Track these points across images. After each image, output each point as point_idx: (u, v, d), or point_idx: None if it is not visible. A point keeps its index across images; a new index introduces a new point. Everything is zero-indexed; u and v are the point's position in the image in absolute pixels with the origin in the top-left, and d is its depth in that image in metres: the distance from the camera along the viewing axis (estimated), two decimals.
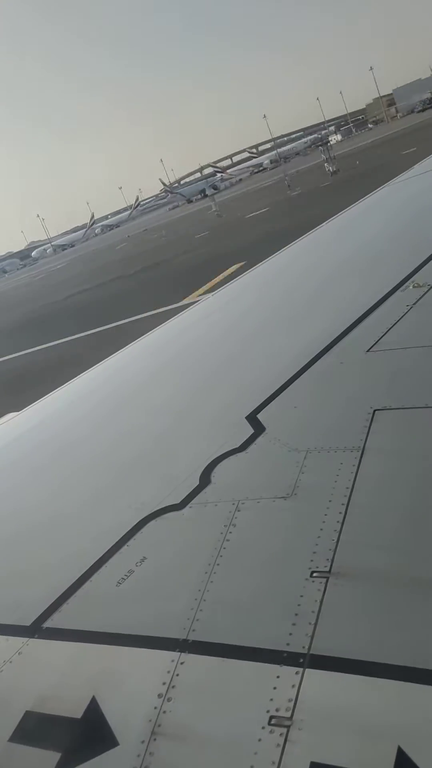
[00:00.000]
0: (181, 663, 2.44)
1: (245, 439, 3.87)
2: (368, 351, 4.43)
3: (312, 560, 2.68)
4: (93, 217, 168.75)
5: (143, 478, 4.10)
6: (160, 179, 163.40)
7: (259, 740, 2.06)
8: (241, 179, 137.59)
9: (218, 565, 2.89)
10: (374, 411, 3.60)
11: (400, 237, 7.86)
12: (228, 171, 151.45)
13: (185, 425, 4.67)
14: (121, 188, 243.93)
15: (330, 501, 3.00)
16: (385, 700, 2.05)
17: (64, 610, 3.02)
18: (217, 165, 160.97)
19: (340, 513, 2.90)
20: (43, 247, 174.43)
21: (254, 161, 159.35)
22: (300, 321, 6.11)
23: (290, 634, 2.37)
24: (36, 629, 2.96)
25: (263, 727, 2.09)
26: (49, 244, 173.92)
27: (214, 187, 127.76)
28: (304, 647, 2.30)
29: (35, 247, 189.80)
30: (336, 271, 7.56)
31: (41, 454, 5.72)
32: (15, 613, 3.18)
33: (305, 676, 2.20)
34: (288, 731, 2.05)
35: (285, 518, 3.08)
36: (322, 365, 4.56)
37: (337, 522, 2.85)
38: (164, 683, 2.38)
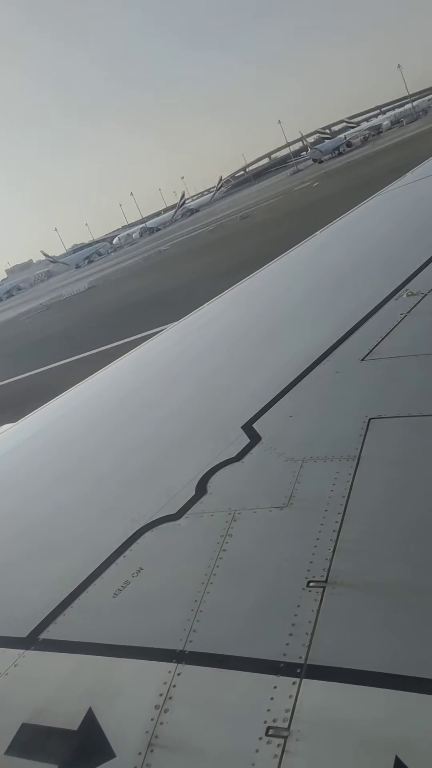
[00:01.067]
0: (178, 674, 2.43)
1: (241, 448, 3.87)
2: (363, 360, 4.45)
3: (309, 570, 2.68)
4: (183, 195, 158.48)
5: (139, 488, 4.10)
6: (300, 132, 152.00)
7: (257, 751, 2.05)
8: (365, 137, 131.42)
9: (215, 575, 2.88)
10: (369, 420, 3.61)
11: (394, 245, 7.89)
12: (341, 136, 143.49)
13: (181, 435, 4.67)
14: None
15: (326, 510, 3.00)
16: (383, 710, 2.04)
17: (60, 622, 3.01)
18: (325, 131, 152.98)
19: (337, 522, 2.90)
20: (126, 233, 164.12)
21: (372, 123, 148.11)
22: (295, 330, 6.13)
23: (287, 644, 2.36)
24: (32, 641, 2.96)
25: (260, 738, 2.08)
26: (135, 228, 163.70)
27: (348, 144, 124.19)
28: (301, 657, 2.30)
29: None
30: (330, 280, 7.59)
31: (37, 465, 5.71)
32: (11, 625, 3.17)
33: (302, 686, 2.20)
34: (285, 742, 2.05)
35: (281, 528, 3.08)
36: (317, 374, 4.57)
37: (334, 531, 2.85)
38: (161, 694, 2.37)
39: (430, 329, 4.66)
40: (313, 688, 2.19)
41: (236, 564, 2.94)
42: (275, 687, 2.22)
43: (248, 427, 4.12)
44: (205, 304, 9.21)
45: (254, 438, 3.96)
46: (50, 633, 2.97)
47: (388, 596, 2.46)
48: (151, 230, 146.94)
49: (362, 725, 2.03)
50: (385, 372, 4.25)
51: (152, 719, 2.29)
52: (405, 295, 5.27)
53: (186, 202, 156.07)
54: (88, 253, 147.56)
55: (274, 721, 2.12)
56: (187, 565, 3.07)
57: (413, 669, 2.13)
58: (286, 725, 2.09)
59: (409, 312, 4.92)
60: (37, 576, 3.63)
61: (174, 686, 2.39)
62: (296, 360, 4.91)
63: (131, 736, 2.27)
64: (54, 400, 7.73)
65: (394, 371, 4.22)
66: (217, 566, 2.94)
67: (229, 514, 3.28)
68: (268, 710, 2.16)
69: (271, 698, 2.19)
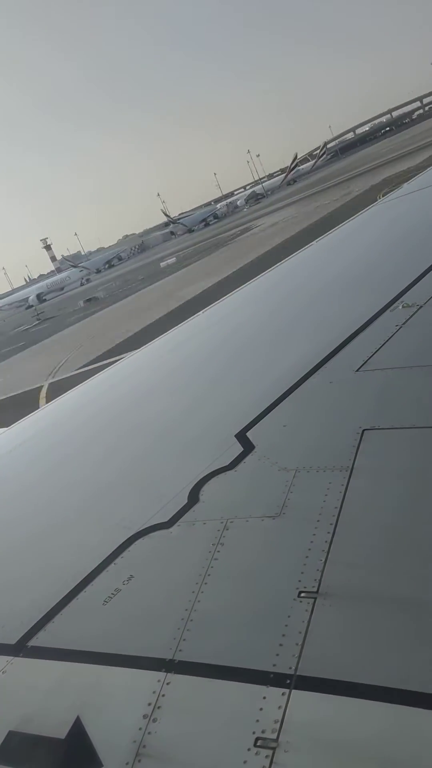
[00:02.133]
0: (167, 683, 2.42)
1: (234, 457, 3.87)
2: (357, 370, 4.45)
3: (300, 580, 2.67)
4: (296, 157, 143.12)
5: (131, 495, 4.09)
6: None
7: (245, 762, 2.04)
8: None
9: (206, 584, 2.87)
10: (363, 431, 3.61)
11: (391, 256, 7.90)
12: None
13: (174, 443, 4.66)
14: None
15: (318, 521, 2.99)
16: (372, 722, 2.04)
17: (49, 629, 3.00)
18: None
19: (329, 533, 2.89)
20: (228, 201, 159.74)
21: None
22: (290, 340, 6.13)
23: (277, 654, 2.36)
24: (21, 648, 2.94)
25: (249, 749, 2.07)
26: (239, 195, 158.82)
27: None
28: (291, 668, 2.29)
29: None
30: (326, 290, 7.60)
31: (28, 471, 5.69)
32: None
33: (292, 697, 2.19)
34: (274, 753, 2.03)
35: (273, 538, 3.07)
36: (311, 384, 4.57)
37: (325, 542, 2.84)
38: (150, 704, 2.36)
39: (425, 341, 4.67)
40: (302, 699, 2.18)
41: (227, 573, 2.93)
42: (264, 697, 2.21)
43: (242, 436, 4.11)
44: (200, 312, 9.22)
45: (248, 447, 3.96)
46: (39, 640, 2.95)
47: (379, 608, 2.46)
48: (258, 197, 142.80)
49: (351, 737, 2.02)
50: (379, 383, 4.25)
51: (140, 729, 2.28)
52: (400, 307, 5.28)
53: (297, 164, 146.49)
54: (204, 216, 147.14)
55: (263, 731, 2.10)
56: (178, 573, 3.06)
57: (403, 682, 2.12)
58: (274, 736, 2.08)
59: (404, 324, 4.93)
60: (26, 582, 3.62)
61: (163, 695, 2.38)
62: (291, 369, 4.91)
63: (119, 745, 2.25)
64: (46, 406, 7.73)
65: (389, 383, 4.22)
66: (209, 575, 2.93)
67: (222, 522, 3.28)
68: (257, 721, 2.15)
69: (261, 709, 2.18)
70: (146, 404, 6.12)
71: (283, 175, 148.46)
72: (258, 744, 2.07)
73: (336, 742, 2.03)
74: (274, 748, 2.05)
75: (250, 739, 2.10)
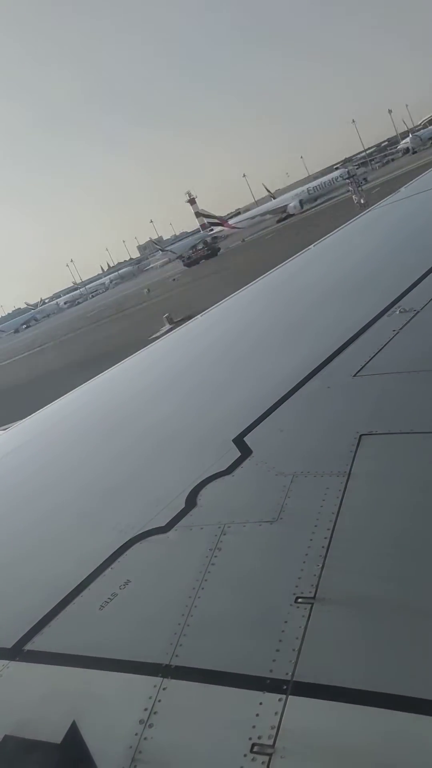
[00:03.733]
0: (164, 688, 2.42)
1: (232, 462, 3.86)
2: (355, 375, 4.45)
3: (297, 585, 2.67)
4: None
5: (128, 499, 4.08)
6: None
7: None
8: None
9: (203, 589, 2.87)
10: (360, 436, 3.61)
11: (387, 261, 7.90)
12: None
13: (172, 447, 4.66)
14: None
15: (316, 526, 2.99)
16: (368, 728, 2.04)
17: (46, 633, 2.99)
18: None
19: (326, 538, 2.89)
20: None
21: None
22: (287, 344, 6.13)
23: (274, 660, 2.35)
24: (17, 652, 2.93)
25: (245, 755, 2.07)
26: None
27: None
28: (287, 674, 2.28)
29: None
30: (323, 294, 7.60)
31: (26, 474, 5.69)
32: None
33: (288, 703, 2.18)
34: (270, 759, 2.03)
35: (270, 543, 3.07)
36: (309, 389, 4.57)
37: (323, 547, 2.84)
38: (146, 709, 2.35)
39: (422, 346, 4.68)
40: (299, 705, 2.18)
41: (224, 578, 2.93)
42: (261, 703, 2.21)
43: (239, 441, 4.11)
44: (198, 316, 9.22)
45: (245, 452, 3.95)
46: (35, 644, 2.94)
47: (376, 614, 2.46)
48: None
49: (347, 743, 2.02)
50: (376, 388, 4.26)
51: (137, 734, 2.27)
52: (398, 312, 5.28)
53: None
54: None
55: (260, 737, 2.10)
56: (175, 578, 3.06)
57: (400, 688, 2.12)
58: (271, 742, 2.08)
59: (401, 328, 4.93)
60: (23, 586, 3.61)
61: (159, 701, 2.38)
62: (288, 374, 4.91)
63: (115, 750, 2.25)
64: (44, 409, 7.71)
65: (386, 387, 4.22)
66: (206, 580, 2.92)
67: (219, 527, 3.27)
68: (254, 727, 2.14)
69: (257, 714, 2.18)
70: (144, 408, 6.11)
71: None
72: (254, 750, 2.07)
73: (332, 747, 2.03)
74: (270, 754, 2.04)
75: (246, 745, 2.09)
